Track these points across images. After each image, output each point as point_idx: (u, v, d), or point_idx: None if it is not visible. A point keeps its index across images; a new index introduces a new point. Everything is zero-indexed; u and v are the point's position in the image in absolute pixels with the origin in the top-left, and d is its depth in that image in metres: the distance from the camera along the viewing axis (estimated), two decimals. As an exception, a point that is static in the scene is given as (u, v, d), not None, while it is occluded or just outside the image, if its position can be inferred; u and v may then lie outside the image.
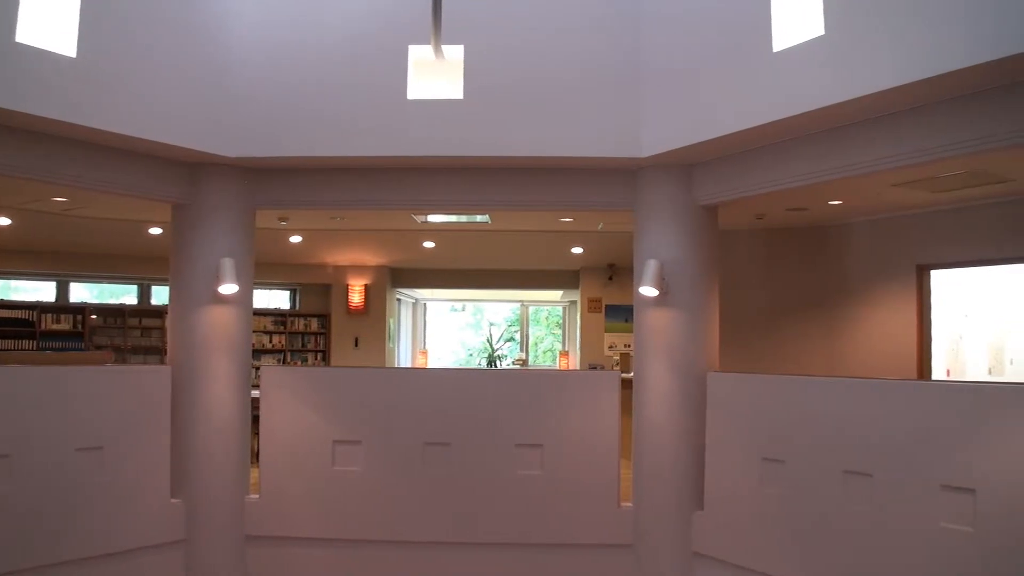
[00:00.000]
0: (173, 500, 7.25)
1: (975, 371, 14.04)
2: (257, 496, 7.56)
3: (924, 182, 7.91)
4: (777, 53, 5.93)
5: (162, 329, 16.31)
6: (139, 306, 17.45)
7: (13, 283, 16.93)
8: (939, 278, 10.40)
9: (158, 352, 16.48)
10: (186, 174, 7.32)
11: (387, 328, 18.41)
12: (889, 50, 5.19)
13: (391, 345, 18.97)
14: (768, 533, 6.55)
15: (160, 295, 17.69)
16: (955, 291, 12.97)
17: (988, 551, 5.06)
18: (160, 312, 16.62)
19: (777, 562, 6.46)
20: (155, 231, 12.34)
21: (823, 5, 5.58)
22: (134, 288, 17.97)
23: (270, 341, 17.92)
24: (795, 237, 10.99)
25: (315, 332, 18.34)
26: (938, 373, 11.64)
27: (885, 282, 10.22)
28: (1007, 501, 4.99)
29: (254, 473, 7.71)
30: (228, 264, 7.23)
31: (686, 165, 7.28)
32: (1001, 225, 8.87)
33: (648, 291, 7.19)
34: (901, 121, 5.67)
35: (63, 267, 16.43)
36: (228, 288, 7.26)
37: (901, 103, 5.52)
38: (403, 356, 20.51)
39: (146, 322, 16.93)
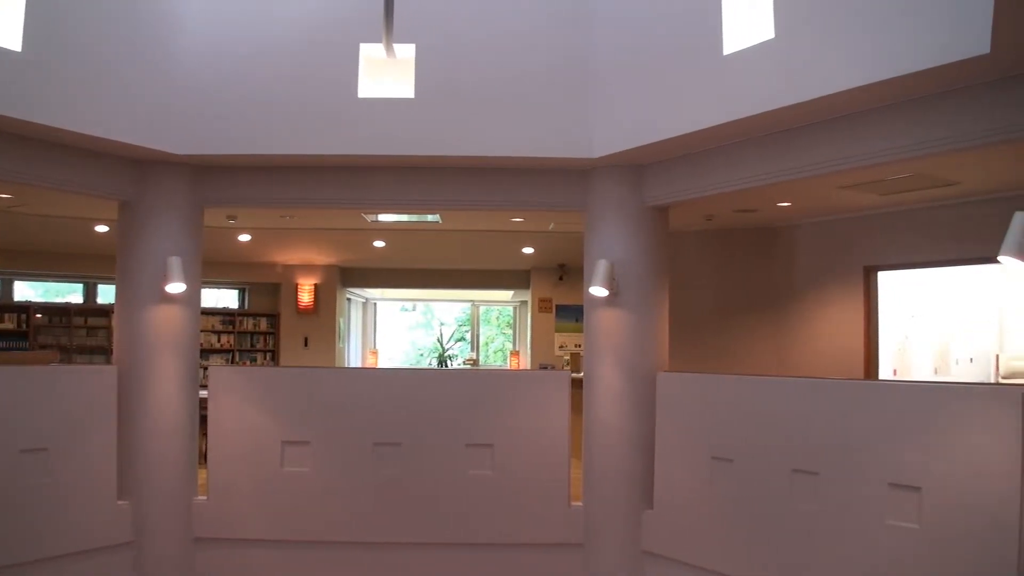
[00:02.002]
0: (120, 502, 7.16)
1: (921, 371, 14.24)
2: (205, 498, 7.49)
3: (871, 185, 8.00)
4: (727, 56, 5.98)
5: (108, 328, 16.10)
6: (85, 305, 17.22)
7: (-45, 282, 16.65)
8: (886, 279, 10.52)
9: (104, 352, 16.27)
10: (133, 171, 7.23)
11: (337, 328, 18.33)
12: (837, 55, 5.26)
13: (341, 345, 18.88)
14: (717, 531, 6.60)
15: (106, 294, 17.46)
16: (902, 292, 13.13)
17: (933, 548, 5.13)
18: (106, 311, 16.41)
19: (726, 560, 6.51)
20: (101, 229, 12.18)
21: (773, 9, 5.63)
22: (80, 287, 17.73)
23: (218, 341, 17.76)
24: (744, 238, 11.07)
25: (264, 332, 18.21)
26: (885, 373, 11.78)
27: (833, 283, 10.32)
28: (952, 499, 5.07)
29: (202, 474, 7.63)
30: (176, 263, 7.16)
31: (636, 166, 7.32)
32: (947, 227, 8.98)
33: (598, 291, 7.22)
34: (849, 124, 5.74)
35: (7, 265, 16.16)
36: (176, 287, 7.19)
37: (849, 107, 5.59)
38: (353, 356, 20.42)
39: (92, 321, 16.71)
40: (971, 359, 14.41)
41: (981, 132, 5.07)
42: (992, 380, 13.55)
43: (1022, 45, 4.38)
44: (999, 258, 4.40)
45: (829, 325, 10.34)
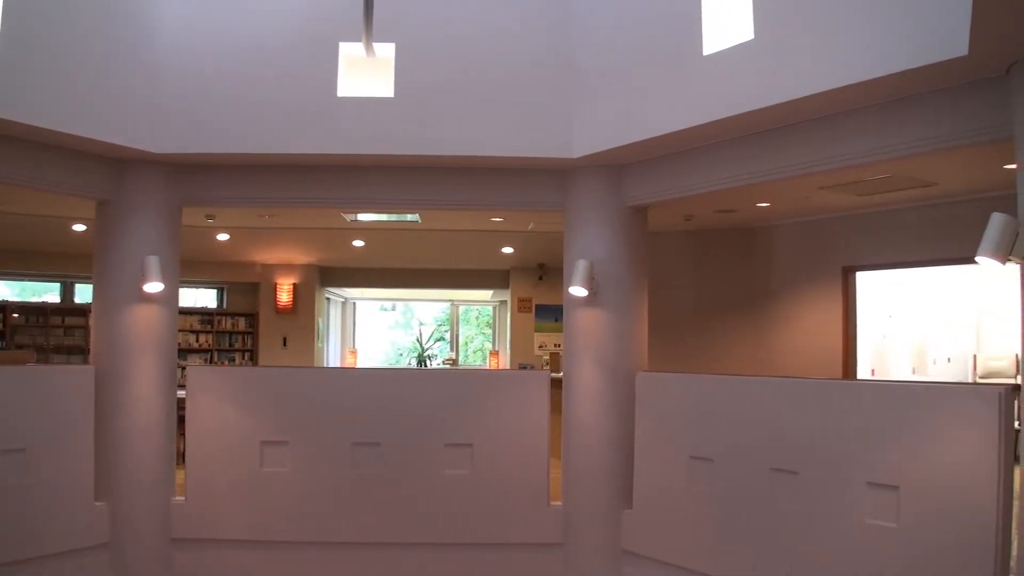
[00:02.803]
0: (97, 503, 7.12)
1: (899, 371, 14.33)
2: (183, 498, 7.45)
3: (850, 185, 8.04)
4: (707, 56, 5.99)
5: (86, 328, 16.04)
6: (62, 304, 17.14)
7: (-70, 281, 16.55)
8: (864, 279, 10.59)
9: (82, 352, 16.20)
10: (111, 170, 7.18)
11: (316, 327, 18.28)
12: (816, 56, 5.28)
13: (320, 345, 18.83)
14: (696, 531, 6.61)
15: (84, 293, 17.38)
16: (880, 292, 13.21)
17: (911, 547, 5.15)
18: (84, 311, 16.33)
19: (705, 559, 6.52)
20: (79, 228, 12.12)
21: (753, 10, 5.65)
22: (57, 286, 17.63)
23: (197, 341, 17.70)
24: (723, 238, 11.11)
25: (243, 331, 18.16)
26: (863, 373, 11.85)
27: (811, 283, 10.37)
28: (930, 498, 5.09)
29: (180, 475, 7.59)
30: (153, 262, 7.12)
31: (616, 166, 7.32)
32: (925, 228, 9.04)
33: (578, 291, 7.22)
34: (828, 125, 5.76)
35: (-17, 264, 16.10)
36: (153, 286, 7.15)
37: (828, 107, 5.61)
38: (332, 356, 20.38)
39: (69, 321, 16.62)
40: (949, 359, 14.52)
41: (959, 133, 5.10)
42: (970, 380, 13.66)
43: (999, 47, 4.41)
44: (976, 258, 4.42)
45: (808, 325, 10.39)
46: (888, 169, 7.12)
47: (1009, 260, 4.37)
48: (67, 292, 17.57)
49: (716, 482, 6.49)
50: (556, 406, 7.54)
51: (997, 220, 4.36)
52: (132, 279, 7.19)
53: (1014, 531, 4.71)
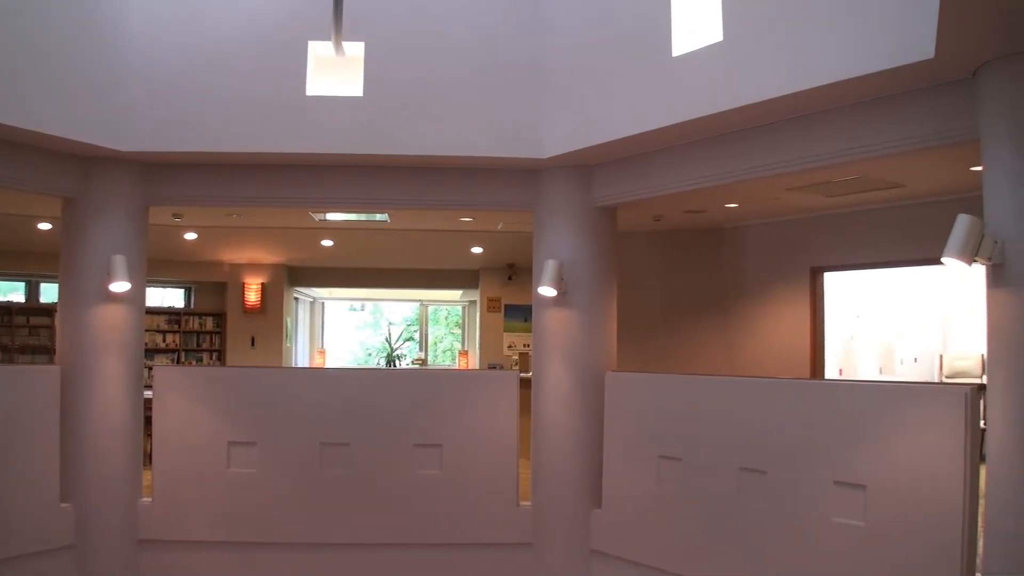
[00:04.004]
0: (63, 504, 7.06)
1: (866, 370, 14.45)
2: (150, 499, 7.41)
3: (818, 187, 8.08)
4: (677, 58, 6.02)
5: (51, 328, 15.87)
6: (27, 304, 16.94)
7: None
8: (832, 280, 10.65)
9: (47, 351, 16.03)
10: (76, 168, 7.12)
11: (284, 327, 18.20)
12: (785, 58, 5.31)
13: (288, 345, 18.75)
14: (665, 530, 6.63)
15: (49, 292, 17.19)
16: (847, 293, 13.30)
17: (879, 544, 5.20)
18: (49, 310, 16.16)
19: (674, 558, 6.54)
20: (44, 226, 11.99)
21: (722, 12, 5.68)
22: (22, 285, 17.43)
23: (163, 340, 17.56)
24: (692, 239, 11.14)
25: (210, 331, 18.03)
26: (831, 373, 11.95)
27: (780, 284, 10.41)
28: (897, 496, 5.13)
29: (147, 476, 7.55)
30: (120, 261, 7.07)
31: (585, 166, 7.34)
32: (892, 229, 9.10)
33: (547, 291, 7.23)
34: (796, 126, 5.80)
35: (-54, 263, 15.91)
36: (120, 286, 7.10)
37: (796, 109, 5.64)
38: (301, 356, 20.29)
39: (34, 320, 16.44)
40: (915, 359, 14.65)
41: (925, 135, 5.15)
42: (936, 379, 13.78)
43: (966, 50, 4.45)
44: (943, 259, 4.45)
45: (776, 325, 10.43)
46: (856, 170, 7.16)
47: (975, 261, 4.40)
48: (32, 291, 17.39)
49: (685, 481, 6.52)
50: (525, 406, 7.55)
51: (963, 221, 4.39)
52: (98, 278, 7.13)
53: (980, 529, 4.75)
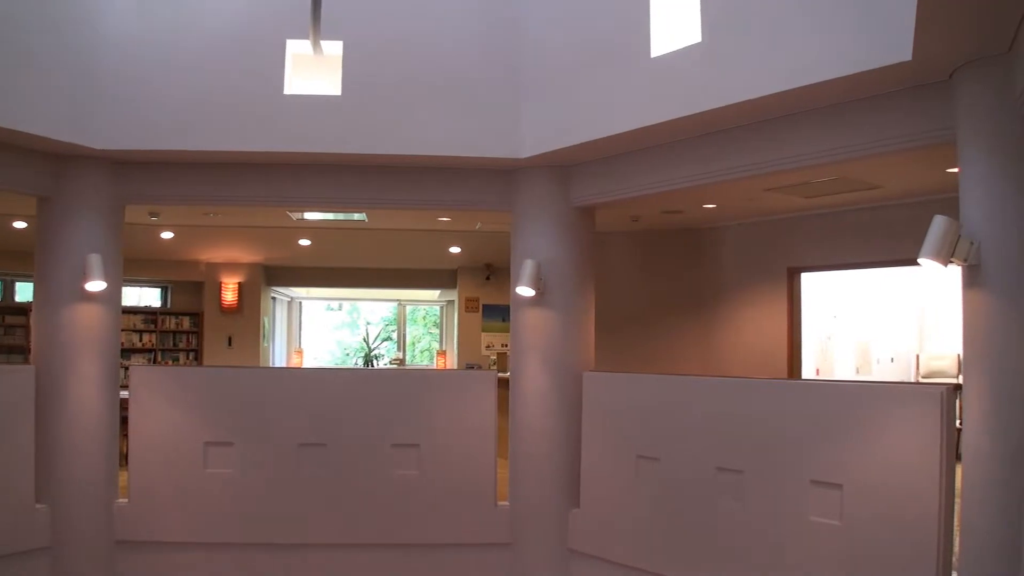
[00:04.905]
0: (38, 505, 7.01)
1: (843, 370, 14.51)
2: (126, 500, 7.37)
3: (796, 188, 8.11)
4: (655, 58, 6.03)
5: (26, 327, 15.74)
6: (2, 303, 16.82)
7: None
8: (809, 280, 10.69)
9: (22, 351, 15.91)
10: (52, 166, 7.07)
11: (261, 327, 18.12)
12: (763, 59, 5.33)
13: (266, 344, 18.67)
14: (643, 529, 6.65)
15: (24, 292, 17.08)
16: (824, 293, 13.35)
17: (855, 543, 5.23)
18: (24, 309, 16.04)
19: (652, 558, 6.56)
20: (19, 225, 11.92)
21: (701, 13, 5.69)
22: (-4, 284, 17.35)
23: (140, 340, 17.47)
24: (670, 239, 11.16)
25: (187, 331, 17.94)
26: (808, 372, 11.98)
27: (757, 284, 10.45)
28: (873, 495, 5.16)
29: (123, 476, 7.50)
30: (96, 260, 7.03)
31: (563, 166, 7.34)
32: (868, 229, 9.15)
33: (525, 291, 7.23)
34: (774, 128, 5.82)
35: (-80, 262, 15.77)
36: (96, 285, 7.06)
37: (774, 110, 5.66)
38: (278, 356, 20.21)
39: (9, 319, 16.32)
40: (892, 359, 14.73)
41: (902, 137, 5.18)
42: (912, 379, 13.86)
43: (942, 53, 4.47)
44: (919, 260, 4.47)
45: (753, 325, 10.47)
46: (833, 172, 7.20)
47: (950, 262, 4.43)
48: (7, 290, 17.27)
49: (662, 481, 6.53)
50: (503, 406, 7.54)
51: (939, 223, 4.42)
52: (74, 277, 7.09)
53: (956, 528, 4.79)
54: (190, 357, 17.85)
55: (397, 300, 22.92)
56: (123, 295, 7.71)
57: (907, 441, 5.05)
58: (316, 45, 6.58)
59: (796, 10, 5.17)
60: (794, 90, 5.21)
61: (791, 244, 10.08)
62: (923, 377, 13.78)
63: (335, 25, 6.75)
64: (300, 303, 22.84)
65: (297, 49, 6.94)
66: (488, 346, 17.99)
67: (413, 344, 24.99)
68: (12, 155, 6.74)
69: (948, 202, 4.85)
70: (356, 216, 11.56)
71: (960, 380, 12.62)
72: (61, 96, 6.58)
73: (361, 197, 7.69)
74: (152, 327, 17.66)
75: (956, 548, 4.77)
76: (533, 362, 7.41)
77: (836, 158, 5.59)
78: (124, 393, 7.58)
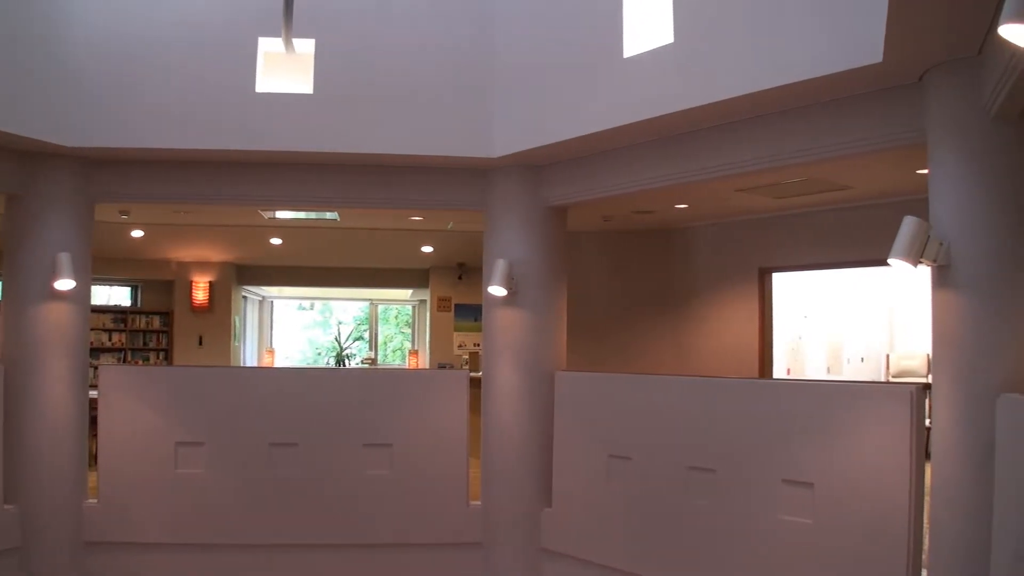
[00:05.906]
0: (6, 506, 6.95)
1: (814, 370, 14.61)
2: (96, 501, 7.32)
3: (766, 188, 8.15)
4: (628, 59, 6.04)
5: (-7, 326, 15.62)
6: (-31, 302, 16.68)
7: None
8: (780, 280, 10.74)
9: (-11, 350, 15.78)
10: (20, 164, 7.01)
11: (233, 326, 18.03)
12: (735, 60, 5.36)
13: (237, 344, 18.58)
14: (615, 528, 6.66)
15: (-9, 291, 16.94)
16: (795, 293, 13.43)
17: (826, 541, 5.27)
18: (-9, 308, 15.92)
19: (624, 557, 6.58)
20: (-13, 223, 11.82)
21: (673, 14, 5.71)
22: (-37, 283, 17.17)
23: (109, 339, 17.33)
24: (642, 239, 11.18)
25: (157, 330, 17.82)
26: (779, 372, 12.05)
27: (729, 284, 10.48)
28: (844, 494, 5.20)
29: (92, 477, 7.46)
30: (65, 259, 6.98)
31: (536, 166, 7.35)
32: (839, 230, 9.20)
33: (497, 291, 7.23)
34: (745, 128, 5.85)
35: None
36: (65, 284, 7.01)
37: (745, 111, 5.69)
38: (249, 355, 20.11)
39: (-24, 319, 16.19)
40: (862, 358, 14.84)
41: (872, 139, 5.21)
42: (883, 378, 13.96)
43: (912, 55, 4.50)
44: (889, 260, 4.50)
45: (725, 325, 10.51)
46: (804, 173, 7.24)
47: (920, 262, 4.46)
48: (-26, 289, 17.12)
49: (634, 480, 6.55)
50: (475, 405, 7.55)
51: (909, 223, 4.45)
52: (43, 276, 7.04)
53: (926, 526, 4.83)
54: (160, 357, 17.73)
55: (369, 299, 22.86)
56: (92, 294, 7.66)
57: (877, 440, 5.09)
58: (288, 43, 6.55)
59: (768, 12, 5.20)
60: (765, 91, 5.23)
61: (762, 244, 10.12)
62: (893, 376, 13.88)
63: (307, 23, 6.72)
64: (271, 302, 22.74)
65: (269, 47, 6.91)
66: (460, 345, 17.97)
67: (385, 344, 24.94)
68: (-20, 152, 6.68)
69: (918, 203, 4.89)
70: (328, 215, 11.54)
71: (929, 379, 12.76)
72: (32, 93, 6.52)
73: (333, 196, 7.67)
74: (122, 326, 17.53)
75: (926, 546, 4.81)
76: (505, 362, 7.41)
77: (807, 159, 5.62)
78: (93, 393, 7.53)
